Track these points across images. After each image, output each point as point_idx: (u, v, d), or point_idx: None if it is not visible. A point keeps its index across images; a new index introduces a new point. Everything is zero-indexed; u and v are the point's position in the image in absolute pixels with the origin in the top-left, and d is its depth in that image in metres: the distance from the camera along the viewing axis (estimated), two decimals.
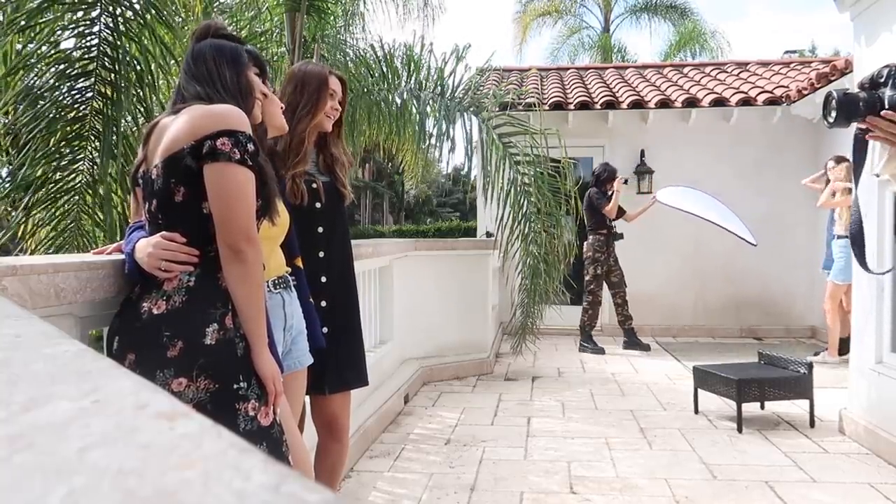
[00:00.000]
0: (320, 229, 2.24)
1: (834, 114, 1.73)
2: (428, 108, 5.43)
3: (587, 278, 6.66)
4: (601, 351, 6.54)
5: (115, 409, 0.35)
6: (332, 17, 5.86)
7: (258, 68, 1.72)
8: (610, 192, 6.55)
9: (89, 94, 3.47)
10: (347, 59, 5.98)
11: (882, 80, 1.70)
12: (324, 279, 2.24)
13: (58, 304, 1.42)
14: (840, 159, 6.02)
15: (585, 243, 6.63)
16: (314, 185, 2.20)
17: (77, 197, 3.50)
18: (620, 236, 6.68)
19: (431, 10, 7.49)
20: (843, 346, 6.00)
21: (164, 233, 1.50)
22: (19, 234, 3.53)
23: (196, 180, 1.47)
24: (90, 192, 3.50)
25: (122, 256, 1.62)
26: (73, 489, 0.25)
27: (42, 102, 3.41)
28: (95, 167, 3.48)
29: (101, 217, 3.45)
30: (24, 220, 3.47)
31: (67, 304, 1.46)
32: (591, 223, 6.58)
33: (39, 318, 0.69)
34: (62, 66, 3.47)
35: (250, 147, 1.48)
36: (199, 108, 1.50)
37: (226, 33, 1.70)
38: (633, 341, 6.74)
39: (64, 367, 0.44)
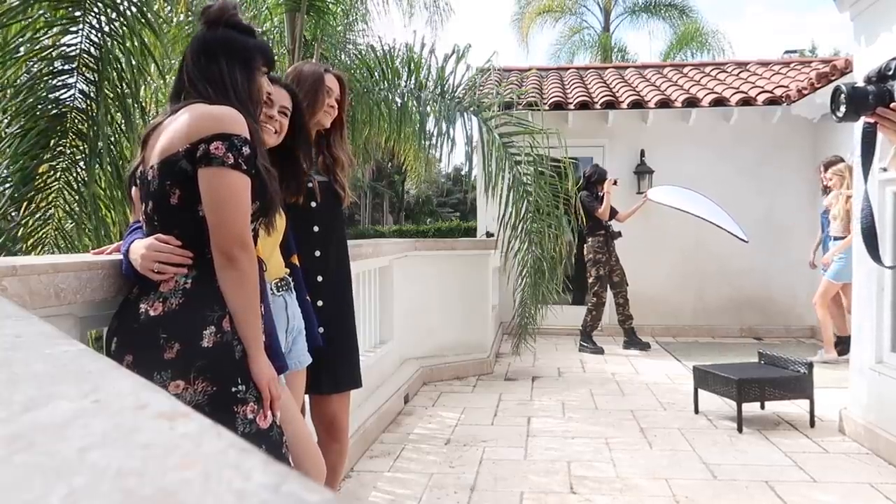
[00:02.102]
0: (316, 229, 2.24)
1: (843, 108, 1.72)
2: (428, 109, 5.43)
3: (590, 280, 6.63)
4: (600, 351, 6.53)
5: (115, 409, 0.35)
6: (332, 18, 5.86)
7: (267, 65, 1.66)
8: (601, 194, 6.58)
9: (70, 93, 3.45)
10: (349, 59, 5.98)
11: (890, 72, 1.69)
12: (320, 279, 2.24)
13: (58, 304, 1.42)
14: (828, 165, 5.99)
15: (585, 245, 6.61)
16: (310, 185, 2.20)
17: (55, 195, 3.48)
18: (618, 235, 6.67)
19: (440, 13, 7.49)
20: (846, 345, 6.02)
21: (158, 235, 1.49)
22: (19, 234, 3.51)
23: (191, 183, 1.46)
24: (70, 191, 3.47)
25: (121, 257, 1.61)
26: (73, 489, 0.25)
27: (19, 98, 3.39)
28: (76, 167, 3.46)
29: (84, 218, 3.43)
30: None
31: (67, 305, 1.46)
32: (588, 225, 6.55)
33: (39, 318, 0.69)
34: (43, 64, 3.45)
35: (245, 151, 1.45)
36: (197, 110, 1.48)
37: (237, 22, 1.63)
38: (632, 340, 6.71)
39: (64, 368, 0.44)
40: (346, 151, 2.38)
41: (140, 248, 1.49)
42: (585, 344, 6.65)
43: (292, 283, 1.97)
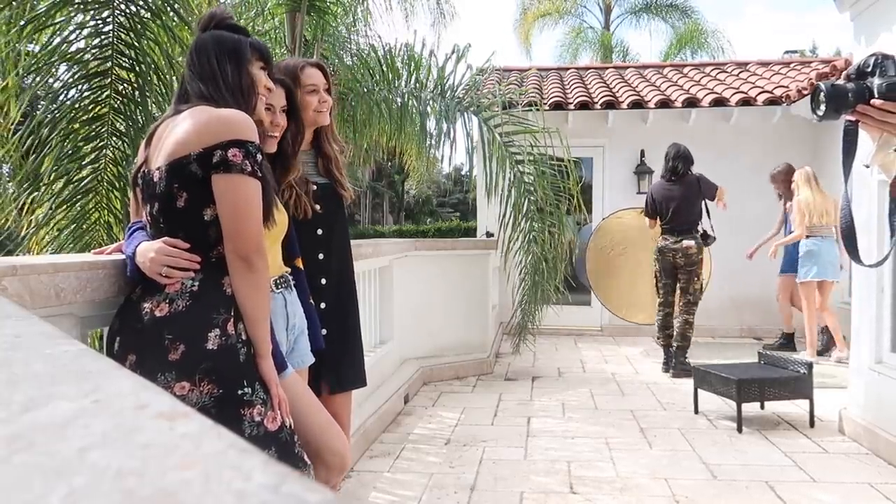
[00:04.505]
0: (319, 232, 2.23)
1: (823, 107, 1.72)
2: (428, 108, 5.43)
3: (696, 286, 5.52)
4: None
5: (115, 409, 0.35)
6: (332, 18, 5.86)
7: (263, 61, 1.70)
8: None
9: (106, 94, 3.48)
10: (350, 59, 5.98)
11: (869, 69, 1.69)
12: (323, 281, 2.24)
13: (58, 304, 1.42)
14: (777, 175, 6.49)
15: (686, 244, 5.43)
16: (314, 188, 2.19)
17: (98, 197, 3.52)
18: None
19: (443, 17, 7.52)
20: (788, 341, 6.66)
21: (166, 238, 1.50)
22: (40, 235, 3.54)
23: (200, 187, 1.47)
24: (114, 189, 3.52)
25: (123, 257, 1.61)
26: (73, 489, 0.25)
27: (55, 105, 3.42)
28: (118, 167, 3.50)
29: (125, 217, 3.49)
30: (46, 221, 3.49)
31: (68, 304, 1.46)
32: (692, 220, 5.44)
33: (39, 318, 0.69)
34: (77, 67, 3.47)
35: (259, 157, 1.49)
36: (205, 113, 1.49)
37: (229, 23, 1.67)
38: (682, 364, 5.50)
39: (64, 367, 0.44)
40: (337, 142, 2.32)
41: (149, 251, 1.49)
42: (684, 363, 5.46)
43: (292, 282, 1.97)
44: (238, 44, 1.63)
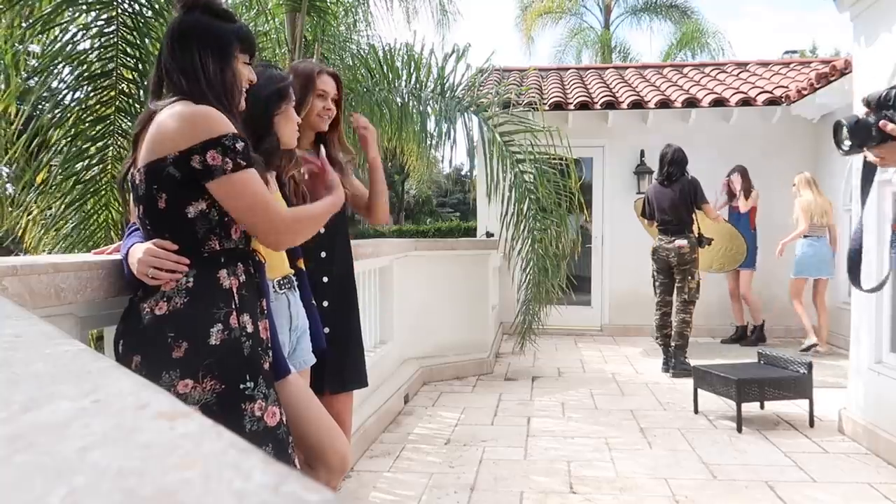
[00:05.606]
0: (322, 231, 2.24)
1: (848, 142, 1.72)
2: (429, 108, 5.43)
3: (692, 285, 5.59)
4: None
5: (116, 409, 0.35)
6: (332, 18, 5.85)
7: (247, 53, 1.59)
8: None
9: (110, 94, 3.48)
10: (350, 59, 5.98)
11: (890, 102, 1.69)
12: (325, 279, 2.25)
13: (58, 304, 1.42)
14: (741, 173, 6.85)
15: (679, 244, 5.52)
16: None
17: (103, 198, 3.53)
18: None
19: (447, 18, 7.55)
20: (744, 333, 7.07)
21: (156, 240, 1.49)
22: (48, 235, 3.55)
23: (178, 187, 1.44)
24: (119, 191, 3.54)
25: (121, 257, 1.61)
26: (73, 489, 0.25)
27: (61, 106, 3.42)
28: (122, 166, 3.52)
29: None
30: (54, 223, 3.49)
31: (68, 304, 1.47)
32: (684, 223, 5.55)
33: (39, 318, 0.69)
34: (82, 68, 3.47)
35: (238, 145, 1.44)
36: (174, 110, 1.44)
37: (214, 6, 1.56)
38: (682, 364, 5.55)
39: (64, 367, 0.44)
40: (347, 150, 2.34)
41: (138, 252, 1.48)
42: (684, 363, 5.51)
43: (295, 283, 1.98)
44: (222, 36, 1.53)
